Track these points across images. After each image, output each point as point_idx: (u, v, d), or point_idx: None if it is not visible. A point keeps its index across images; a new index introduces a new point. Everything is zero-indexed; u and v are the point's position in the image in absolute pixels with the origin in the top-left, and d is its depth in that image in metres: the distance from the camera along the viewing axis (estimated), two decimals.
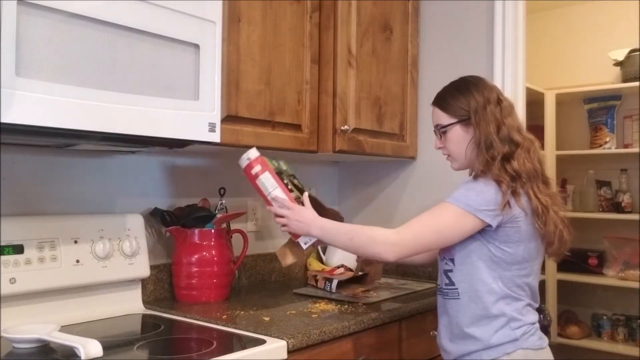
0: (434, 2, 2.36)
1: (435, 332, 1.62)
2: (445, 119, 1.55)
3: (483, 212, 1.41)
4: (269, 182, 1.60)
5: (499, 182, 1.43)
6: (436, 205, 1.49)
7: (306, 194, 1.64)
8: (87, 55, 1.24)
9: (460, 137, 1.54)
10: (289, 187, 1.63)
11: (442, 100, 1.57)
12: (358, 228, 1.55)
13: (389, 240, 1.48)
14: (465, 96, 1.53)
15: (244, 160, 1.62)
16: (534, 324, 1.48)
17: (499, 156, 1.45)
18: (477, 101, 1.51)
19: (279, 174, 1.63)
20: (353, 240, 1.52)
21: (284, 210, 1.58)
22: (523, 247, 1.45)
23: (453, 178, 1.76)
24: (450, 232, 1.45)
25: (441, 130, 1.57)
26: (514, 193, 1.43)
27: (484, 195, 1.43)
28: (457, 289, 1.49)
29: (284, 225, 1.61)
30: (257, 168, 1.60)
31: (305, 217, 1.57)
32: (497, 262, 1.44)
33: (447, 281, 1.52)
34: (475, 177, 1.48)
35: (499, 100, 1.53)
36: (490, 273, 1.45)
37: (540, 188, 1.47)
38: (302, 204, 1.62)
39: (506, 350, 1.43)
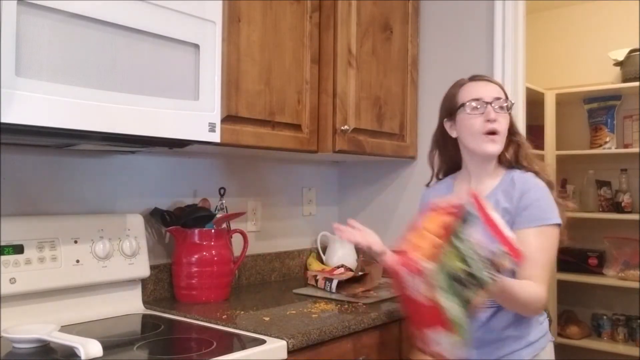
0: (434, 2, 2.36)
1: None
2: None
3: (560, 222, 1.40)
4: None
5: (548, 183, 1.46)
6: (543, 236, 1.37)
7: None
8: (87, 55, 1.24)
9: (508, 123, 1.52)
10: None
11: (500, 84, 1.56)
12: (514, 289, 1.31)
13: (540, 302, 1.37)
14: None
15: None
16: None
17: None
18: None
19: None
20: (510, 303, 1.37)
21: None
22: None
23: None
24: (554, 259, 1.43)
25: (509, 104, 1.49)
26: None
27: (554, 202, 1.42)
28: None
29: None
30: None
31: None
32: None
33: None
34: (536, 177, 1.47)
35: None
36: None
37: None
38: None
39: (542, 345, 1.46)
